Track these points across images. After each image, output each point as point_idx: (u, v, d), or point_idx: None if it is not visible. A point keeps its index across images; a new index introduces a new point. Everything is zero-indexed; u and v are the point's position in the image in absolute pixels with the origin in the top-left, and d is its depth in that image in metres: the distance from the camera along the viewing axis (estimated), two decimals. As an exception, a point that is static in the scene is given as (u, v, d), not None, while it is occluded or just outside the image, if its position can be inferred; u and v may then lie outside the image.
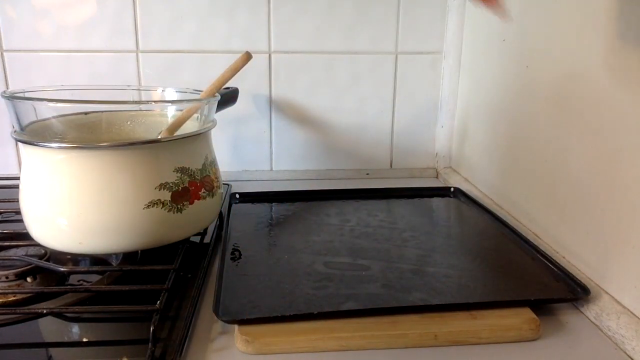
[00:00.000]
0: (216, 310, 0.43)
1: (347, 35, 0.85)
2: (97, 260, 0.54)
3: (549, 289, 0.48)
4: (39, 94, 0.55)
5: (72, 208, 0.47)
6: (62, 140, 0.53)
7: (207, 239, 0.59)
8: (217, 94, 0.59)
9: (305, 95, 0.87)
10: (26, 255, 0.51)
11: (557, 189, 0.57)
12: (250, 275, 0.50)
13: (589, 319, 0.46)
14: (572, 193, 0.54)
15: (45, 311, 0.43)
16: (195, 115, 0.58)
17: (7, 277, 0.48)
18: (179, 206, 0.50)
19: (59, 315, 0.44)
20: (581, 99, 0.52)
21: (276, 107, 0.87)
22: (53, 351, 0.41)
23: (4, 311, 0.44)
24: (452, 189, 0.78)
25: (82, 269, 0.54)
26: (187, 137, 0.52)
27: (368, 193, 0.77)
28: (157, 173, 0.49)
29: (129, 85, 0.80)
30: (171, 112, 0.61)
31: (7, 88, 0.82)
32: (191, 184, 0.52)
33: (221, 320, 0.42)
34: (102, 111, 0.61)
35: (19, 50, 0.80)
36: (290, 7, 0.82)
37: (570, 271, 0.50)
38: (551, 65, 0.58)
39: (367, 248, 0.57)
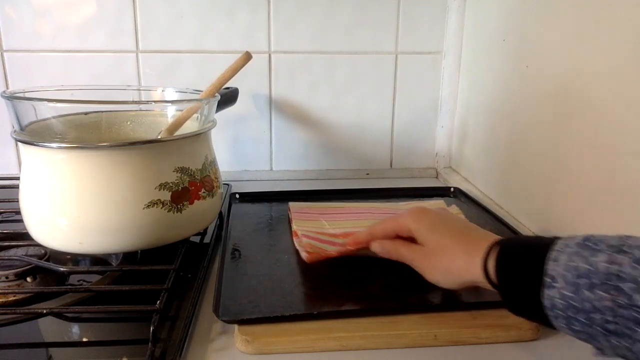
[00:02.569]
0: (216, 310, 0.43)
1: (347, 35, 0.85)
2: (97, 260, 0.54)
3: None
4: (39, 94, 0.55)
5: (72, 208, 0.47)
6: (62, 140, 0.53)
7: (207, 239, 0.59)
8: (217, 94, 0.59)
9: (305, 95, 0.87)
10: (26, 255, 0.51)
11: (557, 188, 0.57)
12: (250, 275, 0.50)
13: (589, 319, 0.46)
14: (572, 193, 0.54)
15: (45, 311, 0.43)
16: (195, 115, 0.58)
17: (7, 277, 0.48)
18: (179, 206, 0.50)
19: (59, 315, 0.44)
20: (581, 99, 0.52)
21: (276, 107, 0.87)
22: (53, 351, 0.41)
23: (4, 311, 0.44)
24: (452, 189, 0.78)
25: (82, 269, 0.54)
26: (187, 137, 0.52)
27: (368, 193, 0.77)
28: (157, 173, 0.49)
29: (129, 85, 0.80)
30: (171, 112, 0.61)
31: (7, 88, 0.82)
32: (191, 184, 0.52)
33: (221, 320, 0.42)
34: (102, 111, 0.61)
35: (19, 50, 0.80)
36: (291, 7, 0.82)
37: (570, 271, 0.50)
38: (551, 65, 0.58)
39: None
